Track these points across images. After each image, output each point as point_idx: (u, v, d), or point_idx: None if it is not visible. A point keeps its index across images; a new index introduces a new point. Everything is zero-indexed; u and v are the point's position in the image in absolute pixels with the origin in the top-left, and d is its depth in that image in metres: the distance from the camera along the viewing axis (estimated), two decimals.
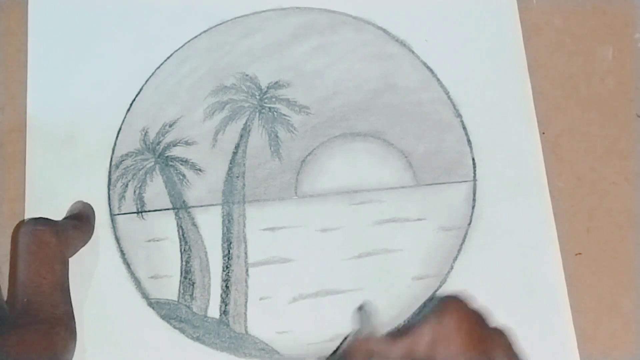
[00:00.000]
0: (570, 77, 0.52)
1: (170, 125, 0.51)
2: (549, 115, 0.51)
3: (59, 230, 0.45)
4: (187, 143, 0.50)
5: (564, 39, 0.53)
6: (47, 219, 0.45)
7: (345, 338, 0.45)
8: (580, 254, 0.49)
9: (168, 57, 0.52)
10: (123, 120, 0.51)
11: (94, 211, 0.49)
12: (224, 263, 0.48)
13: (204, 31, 0.53)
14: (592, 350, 0.47)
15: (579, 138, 0.51)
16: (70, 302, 0.45)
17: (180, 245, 0.49)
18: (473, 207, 0.49)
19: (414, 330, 0.40)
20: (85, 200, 0.49)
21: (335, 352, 0.47)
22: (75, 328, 0.44)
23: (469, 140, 0.50)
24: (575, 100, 0.52)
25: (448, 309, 0.39)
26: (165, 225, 0.49)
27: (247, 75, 0.52)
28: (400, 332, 0.41)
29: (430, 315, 0.39)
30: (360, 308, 0.46)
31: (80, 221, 0.48)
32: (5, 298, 0.45)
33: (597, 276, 0.48)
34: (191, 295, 0.48)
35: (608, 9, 0.54)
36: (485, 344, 0.39)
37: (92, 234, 0.48)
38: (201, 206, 0.49)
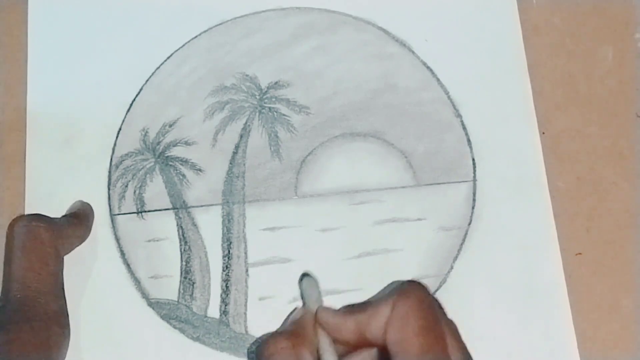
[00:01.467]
0: (570, 77, 0.52)
1: (170, 125, 0.51)
2: (549, 115, 0.51)
3: (54, 227, 0.45)
4: (187, 143, 0.50)
5: (564, 39, 0.53)
6: (42, 215, 0.45)
7: (294, 310, 0.45)
8: (580, 254, 0.49)
9: (168, 57, 0.52)
10: (123, 120, 0.51)
11: (92, 210, 0.49)
12: (224, 263, 0.48)
13: (204, 31, 0.53)
14: (592, 350, 0.47)
15: (579, 138, 0.51)
16: (64, 299, 0.45)
17: (180, 245, 0.49)
18: (473, 207, 0.49)
19: (371, 307, 0.39)
20: (85, 200, 0.49)
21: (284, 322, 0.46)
22: (69, 325, 0.44)
23: (469, 140, 0.50)
24: (575, 100, 0.52)
25: (409, 291, 0.39)
26: (165, 225, 0.49)
27: (247, 75, 0.52)
28: (356, 308, 0.40)
29: (390, 296, 0.39)
30: (302, 278, 0.46)
31: (77, 219, 0.48)
32: None
33: (597, 276, 0.48)
34: (191, 295, 0.48)
35: (608, 9, 0.54)
36: (440, 329, 0.38)
37: (89, 232, 0.48)
38: (201, 206, 0.49)
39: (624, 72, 0.52)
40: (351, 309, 0.40)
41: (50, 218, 0.46)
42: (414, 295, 0.38)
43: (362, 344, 0.40)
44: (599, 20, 0.54)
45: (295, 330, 0.41)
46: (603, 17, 0.54)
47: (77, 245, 0.47)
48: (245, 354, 0.47)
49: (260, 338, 0.46)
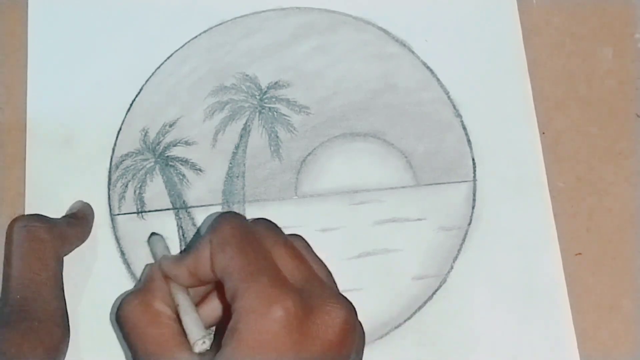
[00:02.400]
0: (570, 77, 0.52)
1: (171, 125, 0.51)
2: (549, 115, 0.51)
3: (53, 228, 0.45)
4: (187, 143, 0.50)
5: (564, 39, 0.53)
6: (41, 215, 0.45)
7: (145, 268, 0.46)
8: (580, 254, 0.49)
9: (168, 57, 0.52)
10: (123, 120, 0.51)
11: (92, 210, 0.49)
12: None
13: (204, 31, 0.52)
14: (592, 350, 0.47)
15: (579, 138, 0.51)
16: (64, 299, 0.44)
17: (181, 245, 0.49)
18: (473, 207, 0.49)
19: (193, 249, 0.41)
20: (85, 200, 0.49)
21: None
22: (68, 325, 0.44)
23: (469, 140, 0.50)
24: (575, 100, 0.52)
25: (220, 222, 0.40)
26: (166, 225, 0.49)
27: (247, 75, 0.52)
28: (184, 254, 0.42)
29: (206, 233, 0.40)
30: (150, 237, 0.47)
31: (77, 220, 0.48)
32: None
33: (597, 276, 0.48)
34: None
35: (608, 9, 0.54)
36: (261, 246, 0.39)
37: (89, 233, 0.48)
38: (201, 206, 0.49)
39: (624, 72, 0.52)
40: (180, 256, 0.42)
41: (50, 219, 0.46)
42: (225, 225, 0.40)
43: (202, 284, 0.42)
44: (599, 20, 0.54)
45: (145, 286, 0.42)
46: (603, 17, 0.54)
47: (77, 246, 0.47)
48: None
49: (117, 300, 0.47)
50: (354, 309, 0.39)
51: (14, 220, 0.45)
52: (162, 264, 0.43)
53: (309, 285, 0.39)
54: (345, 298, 0.39)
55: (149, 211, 0.49)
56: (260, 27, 0.53)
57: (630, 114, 0.52)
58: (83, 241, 0.48)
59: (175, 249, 0.48)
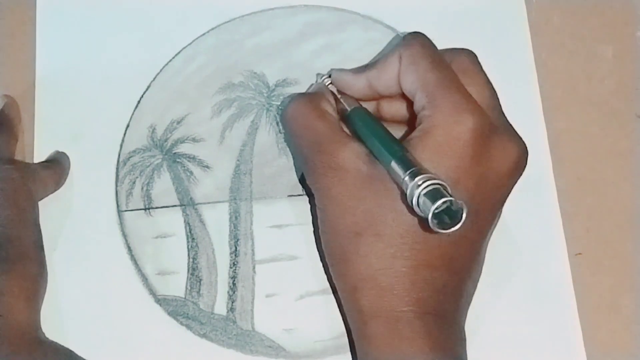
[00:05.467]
0: (570, 77, 0.53)
1: (178, 122, 0.51)
2: (549, 115, 0.51)
3: (25, 168, 0.46)
4: (194, 140, 0.50)
5: (564, 39, 0.53)
6: (15, 159, 0.47)
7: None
8: (580, 254, 0.49)
9: (176, 54, 0.52)
10: (131, 117, 0.51)
11: (68, 158, 0.49)
12: (231, 260, 0.48)
13: (212, 28, 0.52)
14: (592, 350, 0.47)
15: (579, 138, 0.51)
16: (40, 238, 0.45)
17: (188, 242, 0.49)
18: None
19: (379, 63, 0.44)
20: (92, 197, 0.49)
21: None
22: (44, 263, 0.45)
23: None
24: (575, 100, 0.52)
25: (411, 39, 0.43)
26: (173, 221, 0.49)
27: (255, 72, 0.52)
28: (365, 67, 0.45)
29: (395, 49, 0.43)
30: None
31: (51, 164, 0.48)
32: None
33: (597, 276, 0.49)
34: (198, 292, 0.48)
35: (608, 9, 0.54)
36: (448, 65, 0.43)
37: (64, 178, 0.49)
38: (208, 203, 0.49)
39: (624, 72, 0.53)
40: (361, 68, 0.45)
41: (23, 162, 0.47)
42: (416, 42, 0.43)
43: (374, 99, 0.46)
44: (599, 19, 0.54)
45: (313, 92, 0.47)
46: (603, 17, 0.54)
47: (53, 191, 0.48)
48: (252, 351, 0.47)
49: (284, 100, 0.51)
50: (527, 151, 0.42)
51: None
52: (336, 72, 0.46)
53: (490, 112, 0.42)
54: (521, 138, 0.42)
55: (156, 208, 0.49)
56: (269, 24, 0.53)
57: (630, 114, 0.52)
58: (58, 186, 0.48)
59: (182, 246, 0.48)
